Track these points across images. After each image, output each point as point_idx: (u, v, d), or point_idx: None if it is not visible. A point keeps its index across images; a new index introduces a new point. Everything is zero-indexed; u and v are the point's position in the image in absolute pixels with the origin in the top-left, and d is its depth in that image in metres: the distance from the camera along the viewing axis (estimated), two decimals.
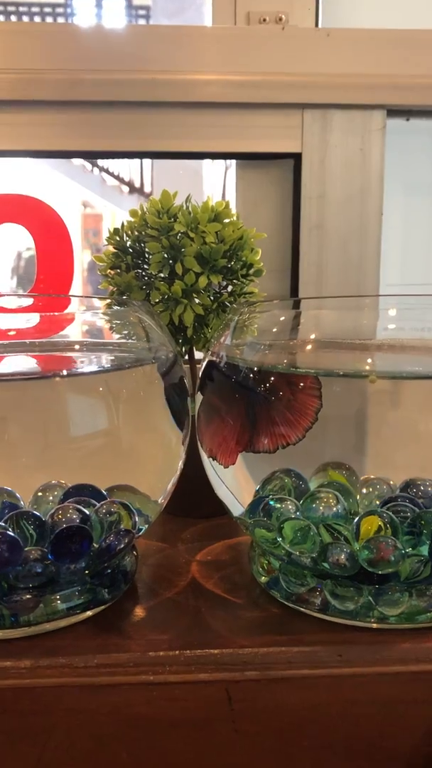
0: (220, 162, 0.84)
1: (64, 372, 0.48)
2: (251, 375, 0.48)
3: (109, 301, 0.56)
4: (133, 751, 0.43)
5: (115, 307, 0.54)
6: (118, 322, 0.53)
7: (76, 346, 0.54)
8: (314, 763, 0.44)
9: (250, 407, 0.48)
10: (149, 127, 0.74)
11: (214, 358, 0.52)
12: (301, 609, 0.47)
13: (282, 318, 0.53)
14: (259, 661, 0.43)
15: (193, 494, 0.63)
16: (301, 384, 0.47)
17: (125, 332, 0.54)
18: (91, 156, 0.83)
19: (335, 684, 0.43)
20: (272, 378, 0.48)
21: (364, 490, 0.52)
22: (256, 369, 0.48)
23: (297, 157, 0.77)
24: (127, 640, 0.44)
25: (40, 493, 0.51)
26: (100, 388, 0.46)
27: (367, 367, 0.48)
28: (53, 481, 0.51)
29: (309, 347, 0.50)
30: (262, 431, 0.47)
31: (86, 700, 0.42)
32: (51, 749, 0.42)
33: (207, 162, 0.90)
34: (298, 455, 0.50)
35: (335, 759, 0.44)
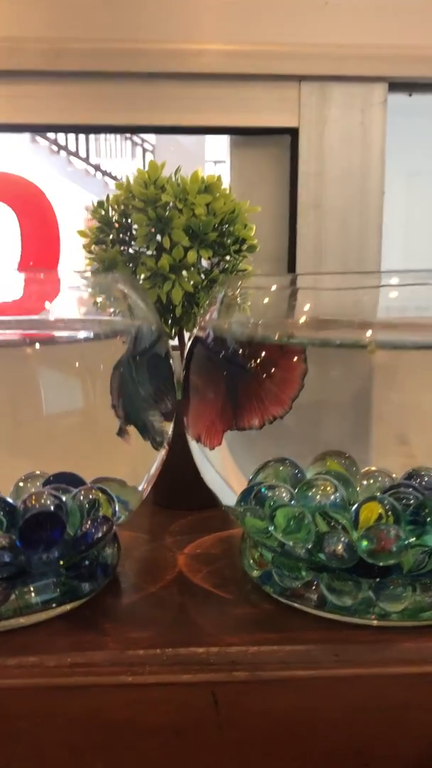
0: (221, 158, 0.81)
1: (35, 342, 0.44)
2: (232, 348, 0.45)
3: (89, 270, 0.52)
4: (109, 761, 0.39)
5: (96, 276, 0.50)
6: (101, 298, 0.49)
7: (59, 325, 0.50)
8: None
9: (231, 382, 0.44)
10: (138, 99, 0.70)
11: (200, 334, 0.48)
12: (296, 605, 0.43)
13: (276, 294, 0.49)
14: (248, 661, 0.39)
15: (181, 484, 0.60)
16: (283, 351, 0.43)
17: (111, 309, 0.50)
18: (76, 130, 0.79)
19: (332, 686, 0.39)
20: (253, 348, 0.44)
21: (365, 482, 0.48)
22: (236, 341, 0.45)
23: (294, 133, 0.73)
24: (105, 638, 0.40)
25: (21, 484, 0.47)
26: (76, 363, 0.43)
27: (367, 338, 0.44)
28: (37, 471, 0.47)
29: (303, 321, 0.46)
30: (245, 407, 0.44)
31: (58, 704, 0.38)
32: (18, 758, 0.39)
33: (210, 164, 0.86)
34: (293, 440, 0.46)
35: None
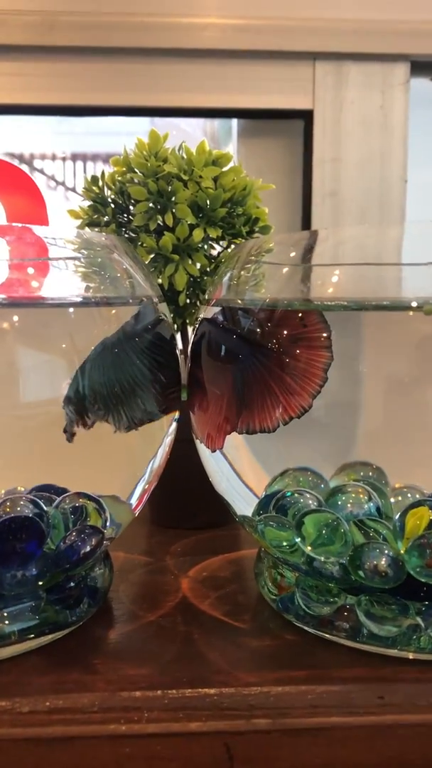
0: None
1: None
2: (238, 329, 0.37)
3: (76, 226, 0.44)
4: None
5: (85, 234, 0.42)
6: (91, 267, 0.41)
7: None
8: None
9: (238, 373, 0.37)
10: (137, 78, 0.64)
11: (203, 317, 0.41)
12: (325, 635, 0.36)
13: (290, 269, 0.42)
14: (271, 705, 0.31)
15: (183, 500, 0.52)
16: (303, 334, 0.36)
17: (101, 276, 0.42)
18: (69, 113, 0.73)
19: (376, 737, 0.31)
20: (264, 325, 0.36)
21: (392, 500, 0.41)
22: (241, 312, 0.37)
23: (308, 116, 0.67)
24: (93, 676, 0.33)
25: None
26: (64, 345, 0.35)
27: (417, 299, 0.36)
28: (20, 488, 0.39)
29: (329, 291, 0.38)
30: (254, 404, 0.36)
31: (32, 761, 0.30)
32: None
33: None
34: (316, 442, 0.39)
35: None
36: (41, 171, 0.55)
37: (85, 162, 1.28)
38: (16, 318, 0.34)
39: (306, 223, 0.69)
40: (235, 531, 0.53)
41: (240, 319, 0.38)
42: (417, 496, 0.39)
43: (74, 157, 1.24)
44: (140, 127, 1.07)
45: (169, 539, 0.51)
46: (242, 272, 0.39)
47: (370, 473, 0.40)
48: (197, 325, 0.42)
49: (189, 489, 0.51)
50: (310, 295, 0.40)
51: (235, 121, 0.79)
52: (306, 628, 0.37)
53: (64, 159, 1.23)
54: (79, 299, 0.38)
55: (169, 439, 0.41)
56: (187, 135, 0.85)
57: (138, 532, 0.53)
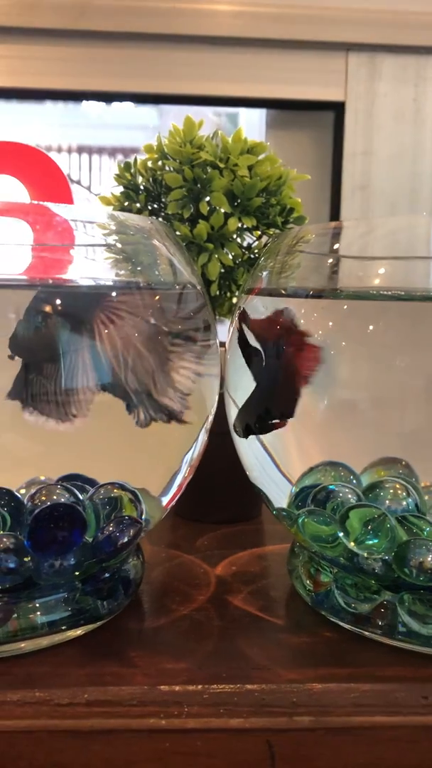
0: None
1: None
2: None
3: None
4: None
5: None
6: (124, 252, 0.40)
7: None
8: None
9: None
10: (167, 65, 0.63)
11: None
12: (365, 633, 0.35)
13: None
14: (314, 703, 0.31)
15: (210, 493, 0.51)
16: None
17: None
18: (99, 98, 0.72)
19: (421, 738, 0.31)
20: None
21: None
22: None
23: (339, 108, 0.66)
24: (130, 669, 0.32)
25: (23, 491, 0.38)
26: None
27: None
28: (41, 477, 0.38)
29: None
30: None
31: (71, 752, 0.30)
32: None
33: None
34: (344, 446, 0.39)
35: None
36: (49, 156, 0.55)
37: (90, 155, 1.27)
38: (58, 301, 0.33)
39: (335, 216, 0.69)
40: (258, 526, 0.53)
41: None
42: None
43: (80, 150, 1.23)
44: (147, 121, 1.06)
45: (193, 532, 0.51)
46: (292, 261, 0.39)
47: (400, 470, 0.40)
48: (235, 316, 0.41)
49: (214, 483, 0.50)
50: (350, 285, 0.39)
51: (241, 115, 0.78)
52: (344, 625, 0.36)
53: (69, 151, 1.22)
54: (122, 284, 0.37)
55: (204, 432, 0.40)
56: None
57: (162, 524, 0.52)
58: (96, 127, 1.14)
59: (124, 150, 1.16)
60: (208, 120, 0.81)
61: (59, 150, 1.21)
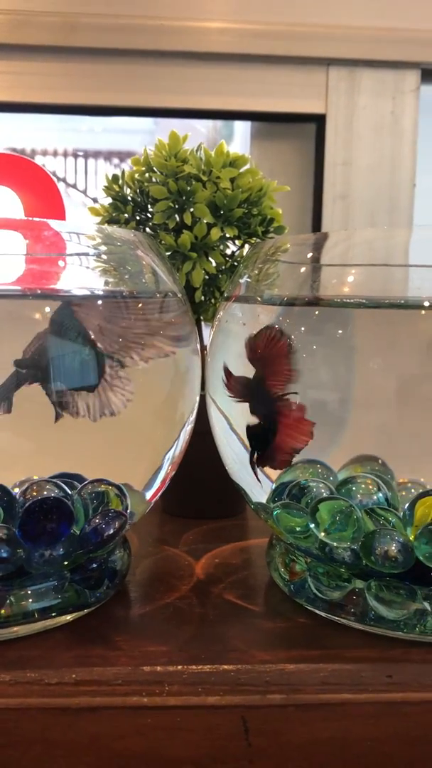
0: None
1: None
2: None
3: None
4: None
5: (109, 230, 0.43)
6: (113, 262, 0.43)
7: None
8: None
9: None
10: (155, 79, 0.66)
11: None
12: (336, 619, 0.37)
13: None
14: (285, 681, 0.33)
15: (195, 490, 0.54)
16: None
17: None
18: (89, 112, 0.74)
19: (385, 713, 0.33)
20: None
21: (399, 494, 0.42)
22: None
23: (320, 120, 0.69)
24: (115, 652, 0.34)
25: (16, 489, 0.41)
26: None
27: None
28: (34, 477, 0.40)
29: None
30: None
31: (60, 729, 0.32)
32: None
33: None
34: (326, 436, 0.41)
35: None
36: (42, 167, 0.56)
37: (86, 159, 1.27)
38: (48, 309, 0.36)
39: (316, 224, 0.71)
40: (242, 521, 0.55)
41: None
42: (420, 490, 0.41)
43: (75, 153, 1.24)
44: (143, 125, 1.07)
45: (180, 528, 0.53)
46: (262, 270, 0.41)
47: (377, 467, 0.42)
48: (216, 323, 0.43)
49: (200, 480, 0.53)
50: (324, 294, 0.42)
51: (235, 123, 0.81)
52: (317, 611, 0.38)
53: (65, 155, 1.22)
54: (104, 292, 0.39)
55: (189, 428, 0.43)
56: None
57: (150, 520, 0.54)
58: (91, 132, 1.16)
59: (120, 153, 1.17)
60: (196, 131, 0.83)
61: (54, 154, 1.22)
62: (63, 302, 0.36)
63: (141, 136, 1.10)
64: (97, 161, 1.29)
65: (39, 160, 1.20)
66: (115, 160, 1.21)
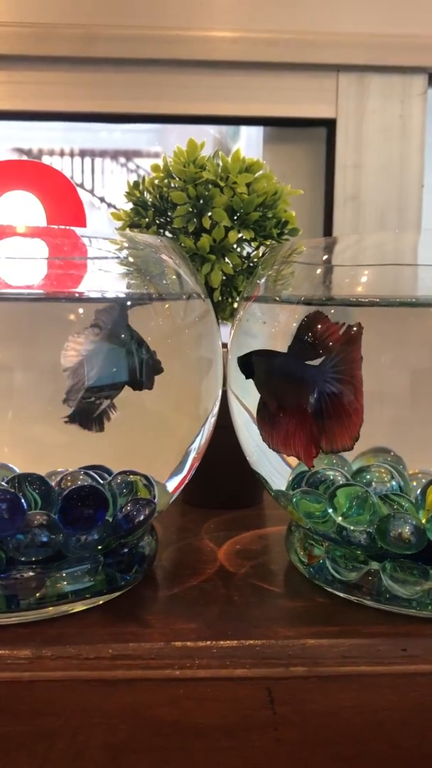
0: None
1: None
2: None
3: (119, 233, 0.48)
4: (154, 764, 0.35)
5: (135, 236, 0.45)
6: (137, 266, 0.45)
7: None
8: None
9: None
10: (171, 87, 0.68)
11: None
12: (352, 598, 0.40)
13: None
14: (307, 655, 0.35)
15: (216, 481, 0.56)
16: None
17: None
18: (106, 119, 0.77)
19: (400, 684, 0.35)
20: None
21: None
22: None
23: (331, 124, 0.71)
24: (148, 629, 0.37)
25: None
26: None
27: None
28: (59, 469, 0.43)
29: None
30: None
31: (98, 699, 0.35)
32: (53, 759, 0.35)
33: None
34: None
35: None
36: (63, 174, 0.59)
37: (93, 158, 1.28)
38: (81, 311, 0.38)
39: (328, 226, 0.74)
40: (261, 511, 0.57)
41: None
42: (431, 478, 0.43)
43: (82, 153, 1.24)
44: (150, 125, 1.09)
45: (201, 517, 0.56)
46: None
47: (389, 458, 0.45)
48: (237, 321, 0.46)
49: (221, 472, 0.55)
50: (338, 294, 0.44)
51: (242, 128, 0.83)
52: (335, 592, 0.41)
53: (72, 155, 1.23)
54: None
55: (212, 420, 0.45)
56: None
57: (173, 511, 0.57)
58: (98, 130, 1.17)
59: (126, 153, 1.18)
60: (209, 135, 0.85)
61: (61, 154, 1.23)
62: (114, 308, 0.38)
63: (147, 135, 1.12)
64: (104, 161, 1.31)
65: (46, 160, 1.21)
66: (122, 159, 1.22)
